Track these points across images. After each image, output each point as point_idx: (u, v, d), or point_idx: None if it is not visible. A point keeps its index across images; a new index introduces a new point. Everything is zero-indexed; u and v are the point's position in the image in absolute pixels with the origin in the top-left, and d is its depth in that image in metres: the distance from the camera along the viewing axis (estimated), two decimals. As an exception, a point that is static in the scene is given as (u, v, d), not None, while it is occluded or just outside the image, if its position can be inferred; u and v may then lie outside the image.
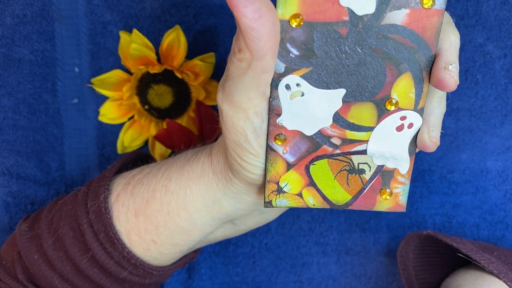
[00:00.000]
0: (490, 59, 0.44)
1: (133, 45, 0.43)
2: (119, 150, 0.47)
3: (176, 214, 0.37)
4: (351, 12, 0.29)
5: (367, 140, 0.32)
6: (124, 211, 0.38)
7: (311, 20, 0.29)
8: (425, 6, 0.29)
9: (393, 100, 0.31)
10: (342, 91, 0.31)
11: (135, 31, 0.44)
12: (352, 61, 0.30)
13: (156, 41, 0.45)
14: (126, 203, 0.38)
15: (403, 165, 0.33)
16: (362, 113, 0.31)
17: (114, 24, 0.46)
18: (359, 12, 0.29)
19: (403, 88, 0.30)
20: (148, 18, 0.46)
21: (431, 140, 0.32)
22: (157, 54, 0.45)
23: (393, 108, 0.31)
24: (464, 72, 0.45)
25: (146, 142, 0.48)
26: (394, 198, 0.34)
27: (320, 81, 0.30)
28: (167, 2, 0.46)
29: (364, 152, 0.33)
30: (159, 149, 0.47)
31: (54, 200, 0.42)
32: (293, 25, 0.29)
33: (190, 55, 0.46)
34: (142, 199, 0.37)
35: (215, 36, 0.46)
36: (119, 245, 0.37)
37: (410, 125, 0.32)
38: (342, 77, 0.30)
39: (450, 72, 0.29)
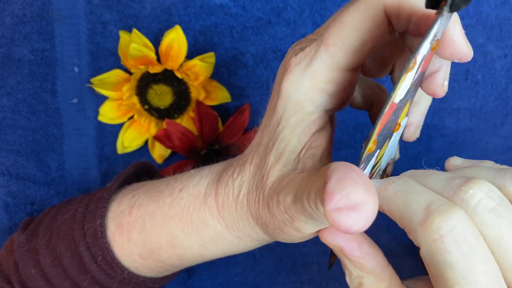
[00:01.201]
0: (490, 59, 0.44)
1: (133, 45, 0.43)
2: (119, 150, 0.47)
3: (187, 260, 0.37)
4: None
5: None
6: (124, 244, 0.37)
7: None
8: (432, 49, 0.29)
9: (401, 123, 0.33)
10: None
11: (134, 31, 0.44)
12: None
13: (156, 41, 0.45)
14: (127, 246, 0.37)
15: (395, 159, 0.36)
16: None
17: (114, 24, 0.46)
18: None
19: (406, 109, 0.32)
20: (148, 18, 0.46)
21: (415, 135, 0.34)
22: (157, 54, 0.45)
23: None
24: (464, 72, 0.45)
25: (146, 142, 0.48)
26: None
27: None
28: (167, 2, 0.46)
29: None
30: (159, 149, 0.47)
31: (54, 209, 0.41)
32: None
33: (190, 55, 0.45)
34: (144, 246, 0.37)
35: (215, 36, 0.46)
36: (118, 268, 0.37)
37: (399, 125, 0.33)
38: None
39: (444, 88, 0.30)
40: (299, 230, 0.29)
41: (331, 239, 0.29)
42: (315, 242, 0.48)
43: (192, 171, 0.37)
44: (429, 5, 0.25)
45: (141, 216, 0.37)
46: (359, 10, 0.27)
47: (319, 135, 0.30)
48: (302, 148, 0.30)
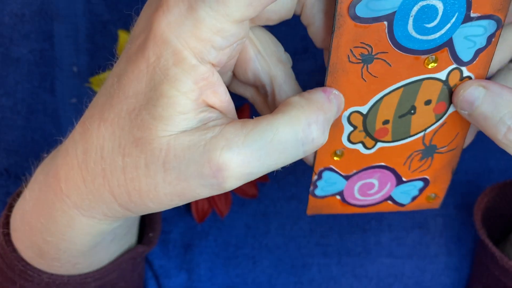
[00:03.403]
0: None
1: (132, 44, 0.43)
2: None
3: (68, 252, 0.34)
4: None
5: None
6: (25, 248, 0.35)
7: None
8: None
9: None
10: None
11: (134, 30, 0.43)
12: None
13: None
14: (26, 249, 0.35)
15: None
16: None
17: (113, 23, 0.45)
18: None
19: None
20: (148, 17, 0.46)
21: None
22: (157, 53, 0.45)
23: None
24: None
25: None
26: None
27: None
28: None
29: None
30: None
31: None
32: None
33: (189, 55, 0.45)
34: (32, 247, 0.35)
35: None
36: (35, 274, 0.35)
37: None
38: None
39: None
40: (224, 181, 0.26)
41: None
42: (316, 243, 0.48)
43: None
44: None
45: (18, 214, 0.35)
46: None
47: (213, 92, 0.27)
48: (195, 108, 0.27)
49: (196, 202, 0.46)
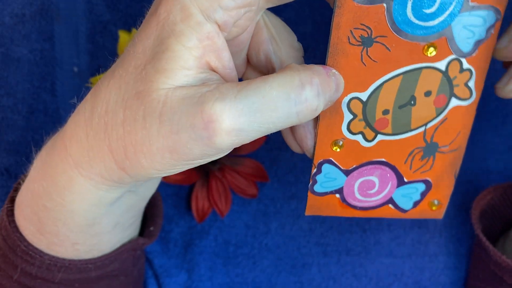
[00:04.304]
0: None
1: (133, 44, 0.43)
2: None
3: (67, 225, 0.34)
4: None
5: None
6: (26, 225, 0.35)
7: None
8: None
9: None
10: None
11: (134, 30, 0.44)
12: None
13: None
14: (27, 226, 0.35)
15: None
16: None
17: (114, 24, 0.45)
18: None
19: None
20: (148, 17, 0.46)
21: None
22: (157, 53, 0.45)
23: None
24: (465, 72, 0.45)
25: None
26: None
27: None
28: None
29: None
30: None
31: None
32: None
33: (189, 55, 0.45)
34: (32, 220, 0.35)
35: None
36: (36, 255, 0.35)
37: None
38: None
39: None
40: (218, 144, 0.26)
41: None
42: (316, 243, 0.48)
43: None
44: None
45: (24, 186, 0.35)
46: None
47: (217, 56, 0.28)
48: (197, 66, 0.27)
49: (197, 201, 0.46)
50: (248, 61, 0.33)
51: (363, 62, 0.29)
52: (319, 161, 0.33)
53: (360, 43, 0.29)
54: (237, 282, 0.48)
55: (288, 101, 0.26)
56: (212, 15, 0.26)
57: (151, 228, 0.41)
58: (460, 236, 0.48)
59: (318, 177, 0.34)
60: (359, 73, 0.30)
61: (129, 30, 0.45)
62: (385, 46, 0.29)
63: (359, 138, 0.32)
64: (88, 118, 0.29)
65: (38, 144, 0.47)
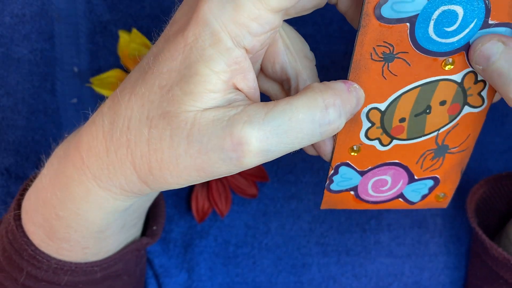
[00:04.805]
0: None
1: (133, 44, 0.43)
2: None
3: (79, 232, 0.34)
4: None
5: None
6: (34, 230, 0.36)
7: None
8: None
9: None
10: None
11: (134, 30, 0.44)
12: None
13: (155, 41, 0.45)
14: (36, 231, 0.36)
15: None
16: None
17: (114, 24, 0.45)
18: None
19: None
20: (148, 17, 0.46)
21: None
22: (157, 53, 0.45)
23: None
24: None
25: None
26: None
27: None
28: (167, 1, 0.46)
29: None
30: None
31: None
32: None
33: (190, 55, 0.45)
34: (43, 226, 0.35)
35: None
36: (43, 259, 0.35)
37: None
38: None
39: None
40: (245, 164, 0.28)
41: None
42: (316, 243, 0.48)
43: None
44: None
45: (33, 193, 0.35)
46: None
47: (243, 78, 0.28)
48: (224, 88, 0.28)
49: (197, 201, 0.46)
50: (261, 69, 0.33)
51: (383, 76, 0.31)
52: (337, 163, 0.34)
53: (382, 59, 0.30)
54: (237, 282, 0.48)
55: (313, 123, 0.28)
56: (242, 41, 0.27)
57: (154, 228, 0.41)
58: (460, 236, 0.48)
59: (334, 178, 0.35)
60: (379, 86, 0.31)
61: (129, 30, 0.45)
62: (406, 61, 0.30)
63: (375, 143, 0.34)
64: (108, 132, 0.30)
65: (39, 145, 0.47)
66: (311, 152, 0.35)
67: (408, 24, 0.29)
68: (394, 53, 0.30)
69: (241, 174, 0.46)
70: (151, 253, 0.47)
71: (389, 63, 0.30)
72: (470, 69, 0.31)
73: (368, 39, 0.29)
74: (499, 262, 0.40)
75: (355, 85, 0.30)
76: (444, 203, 0.38)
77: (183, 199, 0.47)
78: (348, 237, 0.48)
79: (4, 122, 0.47)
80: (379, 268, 0.48)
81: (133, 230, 0.39)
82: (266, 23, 0.27)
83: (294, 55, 0.32)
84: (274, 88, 0.35)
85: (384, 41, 0.29)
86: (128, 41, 0.44)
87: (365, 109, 0.32)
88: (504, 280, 0.40)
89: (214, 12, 0.27)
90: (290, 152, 0.29)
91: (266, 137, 0.27)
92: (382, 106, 0.32)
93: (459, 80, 0.31)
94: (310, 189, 0.47)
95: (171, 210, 0.47)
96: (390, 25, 0.28)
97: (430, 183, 0.37)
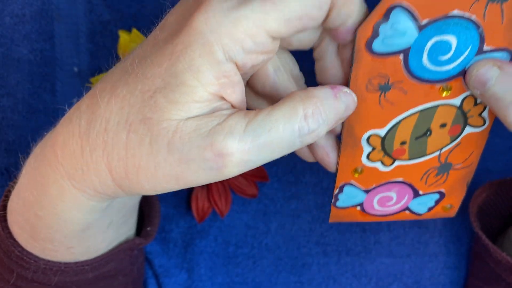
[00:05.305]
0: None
1: (133, 44, 0.43)
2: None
3: (60, 232, 0.34)
4: None
5: None
6: (19, 231, 0.35)
7: None
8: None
9: None
10: None
11: (134, 30, 0.44)
12: None
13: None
14: (20, 232, 0.35)
15: None
16: None
17: (114, 24, 0.45)
18: None
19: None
20: (148, 17, 0.46)
21: None
22: (157, 53, 0.45)
23: None
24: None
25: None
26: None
27: None
28: (167, 1, 0.46)
29: None
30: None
31: None
32: None
33: (190, 55, 0.45)
34: (25, 227, 0.35)
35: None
36: (31, 260, 0.35)
37: None
38: None
39: None
40: (227, 173, 0.27)
41: None
42: (316, 243, 0.48)
43: None
44: None
45: (15, 193, 0.35)
46: None
47: (232, 92, 0.28)
48: (210, 99, 0.27)
49: (197, 201, 0.46)
50: (250, 86, 0.33)
51: (381, 105, 0.31)
52: (341, 184, 0.35)
53: (377, 89, 0.30)
54: (237, 282, 0.48)
55: (292, 133, 0.27)
56: (234, 56, 0.27)
57: (148, 228, 0.41)
58: (460, 236, 0.48)
59: (339, 196, 0.36)
60: (377, 114, 0.31)
61: (129, 30, 0.45)
62: (402, 89, 0.30)
63: (377, 165, 0.34)
64: (84, 132, 0.29)
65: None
66: (308, 159, 0.35)
67: (401, 56, 0.28)
68: (390, 83, 0.30)
69: (241, 174, 0.46)
70: (151, 253, 0.47)
71: (386, 93, 0.30)
72: (469, 92, 0.31)
73: (362, 73, 0.29)
74: (502, 265, 0.40)
75: (345, 89, 0.29)
76: (452, 213, 0.38)
77: (183, 199, 0.47)
78: (348, 237, 0.48)
79: (3, 122, 0.47)
80: (379, 268, 0.48)
81: (124, 229, 0.39)
82: (261, 43, 0.27)
83: (285, 76, 0.32)
84: (263, 105, 0.34)
85: (378, 73, 0.29)
86: (128, 41, 0.44)
87: (365, 135, 0.32)
88: (507, 282, 0.40)
89: (210, 24, 0.26)
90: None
91: (247, 148, 0.27)
92: (382, 132, 0.32)
93: (458, 104, 0.31)
94: (310, 189, 0.47)
95: (171, 210, 0.47)
96: (383, 58, 0.28)
97: (436, 196, 0.37)
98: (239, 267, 0.48)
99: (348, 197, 0.36)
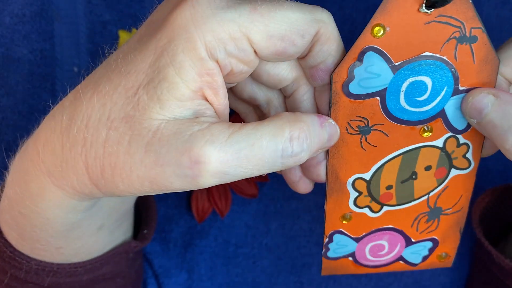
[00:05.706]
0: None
1: (133, 44, 0.43)
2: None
3: (45, 231, 0.33)
4: None
5: None
6: (8, 231, 0.35)
7: None
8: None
9: None
10: None
11: (134, 30, 0.44)
12: None
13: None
14: (8, 232, 0.35)
15: None
16: None
17: (114, 24, 0.45)
18: None
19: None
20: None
21: None
22: (157, 53, 0.45)
23: None
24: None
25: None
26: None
27: None
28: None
29: None
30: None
31: None
32: None
33: (190, 55, 0.45)
34: (12, 226, 0.34)
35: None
36: (23, 260, 0.35)
37: None
38: None
39: None
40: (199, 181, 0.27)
41: None
42: (316, 243, 0.48)
43: None
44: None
45: (4, 193, 0.35)
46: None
47: (214, 93, 0.28)
48: (193, 98, 0.27)
49: (197, 201, 0.46)
50: (231, 90, 0.33)
51: (363, 148, 0.31)
52: (330, 232, 0.35)
53: (358, 132, 0.30)
54: (237, 282, 0.48)
55: (275, 152, 0.27)
56: (216, 54, 0.26)
57: (145, 231, 0.41)
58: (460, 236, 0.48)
59: (330, 245, 0.36)
60: (360, 157, 0.31)
61: (129, 30, 0.45)
62: (383, 132, 0.30)
63: (366, 210, 0.34)
64: (66, 128, 0.29)
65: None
66: (290, 179, 0.34)
67: (378, 97, 0.29)
68: (370, 125, 0.30)
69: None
70: (151, 253, 0.47)
71: (366, 136, 0.30)
72: (450, 134, 0.31)
73: (341, 115, 0.29)
74: (505, 271, 0.40)
75: (330, 120, 0.29)
76: (448, 263, 0.38)
77: (183, 199, 0.47)
78: (348, 237, 0.48)
79: (4, 122, 0.47)
80: (379, 268, 0.48)
81: (119, 232, 0.38)
82: (242, 50, 0.27)
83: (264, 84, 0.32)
84: (244, 107, 0.34)
85: (357, 116, 0.29)
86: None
87: (350, 180, 0.32)
88: (509, 287, 0.40)
89: (196, 19, 0.26)
90: None
91: (226, 159, 0.26)
92: (367, 176, 0.32)
93: (441, 145, 0.32)
94: (310, 189, 0.47)
95: (171, 210, 0.47)
96: (361, 100, 0.29)
97: (429, 244, 0.36)
98: (239, 267, 0.48)
99: (339, 246, 0.36)
